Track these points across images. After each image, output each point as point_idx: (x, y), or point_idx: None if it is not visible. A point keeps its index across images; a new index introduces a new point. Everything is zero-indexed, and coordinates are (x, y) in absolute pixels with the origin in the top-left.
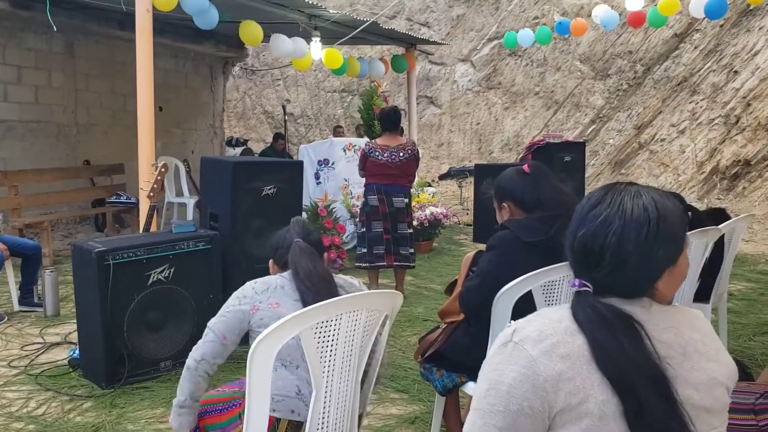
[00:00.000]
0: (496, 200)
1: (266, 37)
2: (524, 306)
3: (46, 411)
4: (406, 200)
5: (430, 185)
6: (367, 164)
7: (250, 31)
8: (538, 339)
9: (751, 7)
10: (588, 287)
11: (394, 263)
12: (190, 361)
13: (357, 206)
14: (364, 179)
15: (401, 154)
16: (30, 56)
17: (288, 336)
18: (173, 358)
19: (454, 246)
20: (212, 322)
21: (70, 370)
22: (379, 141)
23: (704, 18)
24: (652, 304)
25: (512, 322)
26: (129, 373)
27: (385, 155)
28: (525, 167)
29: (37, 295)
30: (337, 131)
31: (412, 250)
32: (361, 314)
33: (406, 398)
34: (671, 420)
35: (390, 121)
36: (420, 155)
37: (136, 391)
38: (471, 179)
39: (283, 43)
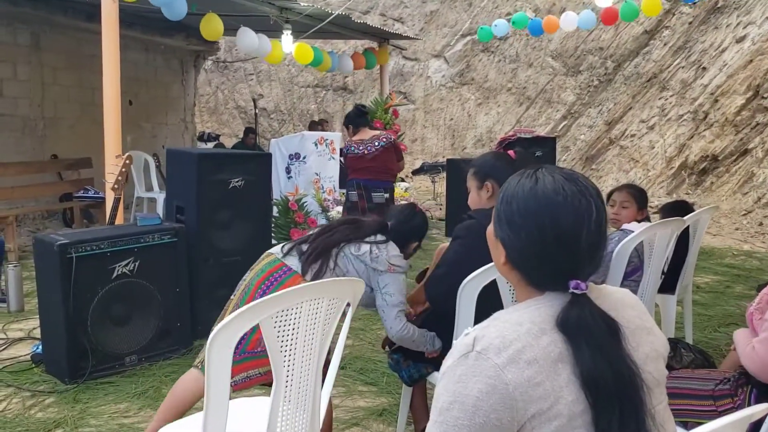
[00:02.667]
0: (477, 180)
1: (235, 31)
2: (489, 296)
3: (6, 407)
4: (386, 195)
5: (403, 180)
6: (347, 161)
7: (211, 25)
8: (501, 346)
9: (719, 5)
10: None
11: None
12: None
13: (328, 200)
14: (335, 174)
15: (376, 144)
16: None
17: (248, 326)
18: (138, 353)
19: (427, 240)
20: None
21: (33, 365)
22: (354, 138)
23: (674, 15)
24: (592, 286)
25: (469, 329)
26: (93, 368)
27: (360, 147)
28: (511, 152)
29: (0, 290)
30: (316, 126)
31: None
32: (323, 302)
33: (375, 391)
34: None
35: (359, 118)
36: (397, 144)
37: (100, 386)
38: (444, 174)
39: (249, 38)
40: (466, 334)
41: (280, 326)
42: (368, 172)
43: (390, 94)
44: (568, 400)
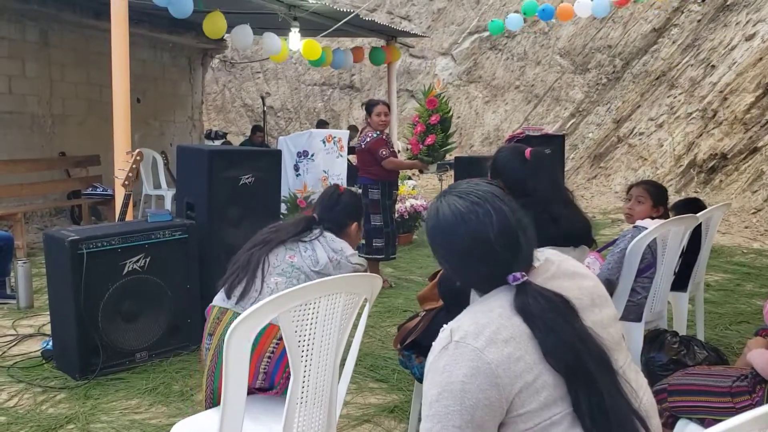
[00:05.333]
0: (491, 177)
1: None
2: None
3: (17, 403)
4: (359, 191)
5: (410, 178)
6: None
7: (214, 23)
8: (477, 331)
9: (728, 2)
10: (526, 277)
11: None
12: None
13: None
14: (343, 171)
15: (359, 145)
16: (3, 45)
17: (265, 320)
18: (149, 349)
19: None
20: None
21: (43, 361)
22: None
23: (682, 12)
24: (544, 267)
25: (444, 325)
26: (103, 364)
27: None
28: (527, 152)
29: (9, 286)
30: (323, 125)
31: (362, 242)
32: (340, 297)
33: (385, 388)
34: (619, 397)
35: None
36: (371, 147)
37: (110, 382)
38: (451, 172)
39: (245, 35)
40: (443, 330)
41: (298, 321)
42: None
43: (436, 82)
44: (551, 370)
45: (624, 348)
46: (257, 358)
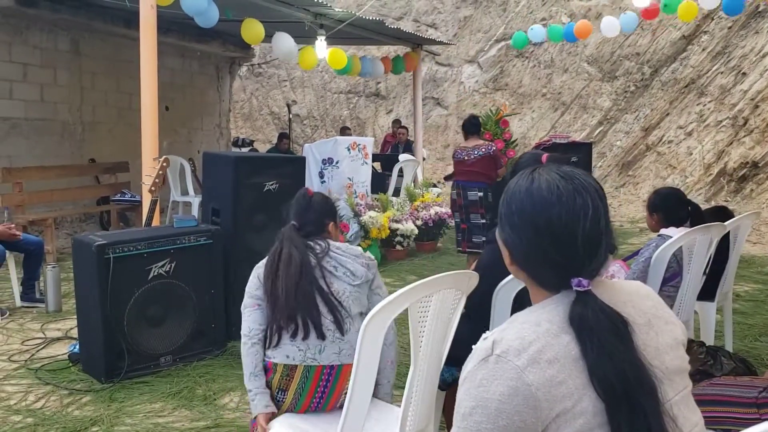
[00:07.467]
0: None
1: (271, 38)
2: (525, 299)
3: (44, 405)
4: (480, 194)
5: (435, 186)
6: (454, 166)
7: (252, 29)
8: (521, 347)
9: (759, 9)
10: (590, 288)
11: (467, 249)
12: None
13: (361, 205)
14: (368, 178)
15: (476, 152)
16: (36, 54)
17: (399, 309)
18: (173, 353)
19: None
20: (243, 303)
21: (70, 364)
22: (462, 144)
23: (712, 19)
24: (604, 282)
25: (487, 333)
26: (128, 367)
27: (463, 153)
28: (543, 157)
29: (39, 290)
30: (345, 132)
31: (484, 238)
32: (450, 293)
33: None
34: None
35: (470, 126)
36: (496, 155)
37: (135, 385)
38: None
39: (285, 42)
40: (485, 338)
41: (420, 311)
42: (466, 174)
43: (503, 105)
44: (592, 396)
45: (682, 378)
46: (337, 396)
